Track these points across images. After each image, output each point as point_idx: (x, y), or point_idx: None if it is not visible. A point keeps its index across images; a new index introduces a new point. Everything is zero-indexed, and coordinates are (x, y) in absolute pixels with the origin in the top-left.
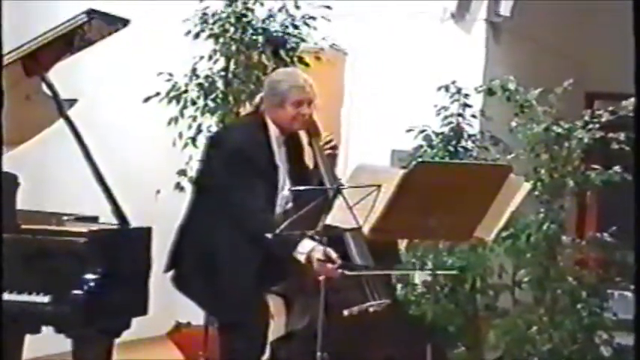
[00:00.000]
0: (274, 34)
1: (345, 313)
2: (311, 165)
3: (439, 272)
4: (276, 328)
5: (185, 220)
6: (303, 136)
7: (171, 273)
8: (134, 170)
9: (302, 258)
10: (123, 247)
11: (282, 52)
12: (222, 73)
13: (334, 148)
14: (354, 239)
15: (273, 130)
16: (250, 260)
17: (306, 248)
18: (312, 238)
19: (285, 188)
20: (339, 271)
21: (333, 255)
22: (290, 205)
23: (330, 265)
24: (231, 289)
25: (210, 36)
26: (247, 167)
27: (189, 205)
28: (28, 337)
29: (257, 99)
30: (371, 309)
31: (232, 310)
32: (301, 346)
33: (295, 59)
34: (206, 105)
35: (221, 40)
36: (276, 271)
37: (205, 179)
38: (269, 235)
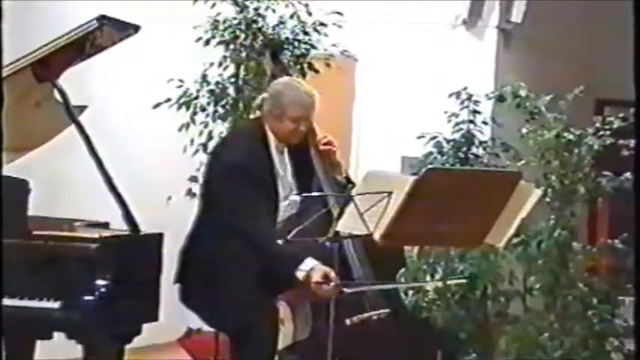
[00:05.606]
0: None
1: (348, 322)
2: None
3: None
4: (284, 334)
5: (191, 234)
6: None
7: (177, 287)
8: (145, 176)
9: (301, 276)
10: (134, 253)
11: (281, 57)
12: (233, 80)
13: (329, 144)
14: (353, 247)
15: (272, 138)
16: (255, 273)
17: (308, 266)
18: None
19: (290, 194)
20: (336, 288)
21: (332, 275)
22: (294, 211)
23: (326, 287)
24: (237, 305)
25: (220, 42)
26: (245, 182)
27: (195, 218)
28: (39, 343)
29: (258, 100)
30: (374, 317)
31: (239, 326)
32: (306, 356)
33: (305, 65)
34: (216, 111)
35: (231, 46)
36: (282, 279)
37: (207, 192)
38: (280, 241)
